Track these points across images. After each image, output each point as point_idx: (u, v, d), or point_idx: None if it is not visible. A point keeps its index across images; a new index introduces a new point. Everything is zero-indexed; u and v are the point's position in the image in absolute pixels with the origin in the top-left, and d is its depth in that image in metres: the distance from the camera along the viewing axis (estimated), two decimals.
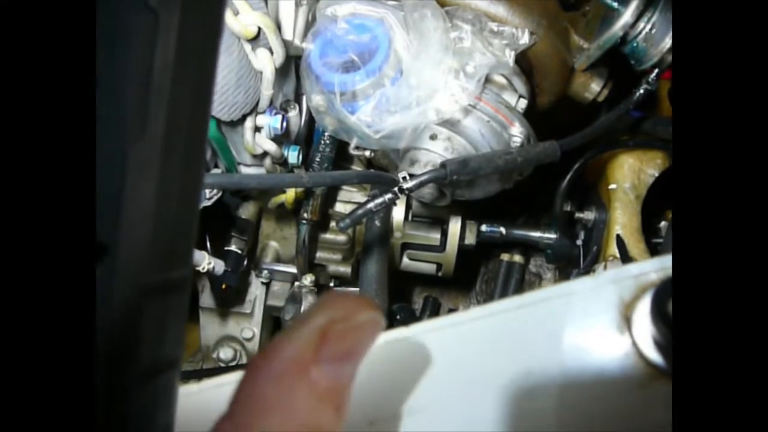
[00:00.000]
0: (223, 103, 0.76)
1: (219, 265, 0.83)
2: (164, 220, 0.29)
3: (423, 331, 0.42)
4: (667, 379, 0.35)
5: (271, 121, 0.85)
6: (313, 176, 0.89)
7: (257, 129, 0.86)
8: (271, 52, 0.80)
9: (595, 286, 0.38)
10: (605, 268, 1.16)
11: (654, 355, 0.36)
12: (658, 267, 0.37)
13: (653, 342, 0.35)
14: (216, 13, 0.30)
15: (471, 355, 0.40)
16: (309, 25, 0.97)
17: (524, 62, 1.08)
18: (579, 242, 1.29)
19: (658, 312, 0.33)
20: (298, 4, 0.96)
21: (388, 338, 0.43)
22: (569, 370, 0.36)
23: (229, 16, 0.74)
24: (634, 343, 0.36)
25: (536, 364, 0.37)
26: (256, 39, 0.78)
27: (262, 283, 1.24)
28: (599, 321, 0.37)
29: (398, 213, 1.23)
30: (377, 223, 1.18)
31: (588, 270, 1.23)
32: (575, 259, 1.29)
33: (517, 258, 1.44)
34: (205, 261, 0.81)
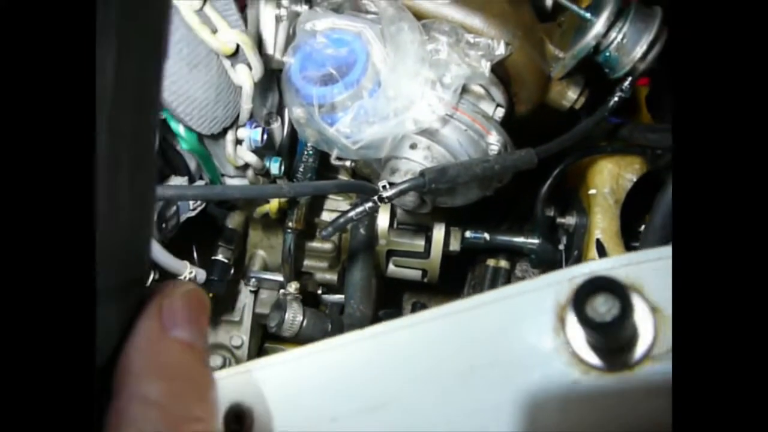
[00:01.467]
0: (203, 117, 0.79)
1: (201, 274, 0.86)
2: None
3: (379, 332, 0.45)
4: (599, 374, 0.38)
5: (251, 134, 0.88)
6: (294, 186, 0.92)
7: (238, 141, 0.89)
8: (250, 68, 0.83)
9: (533, 289, 0.40)
10: None
11: (586, 353, 0.38)
12: (587, 271, 0.40)
13: (586, 341, 0.38)
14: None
15: (424, 354, 0.42)
16: (289, 39, 1.00)
17: (501, 72, 1.11)
18: (561, 247, 1.31)
19: (577, 313, 0.35)
20: (278, 20, 0.99)
21: (349, 339, 0.45)
22: (509, 368, 0.39)
23: (207, 34, 0.77)
24: (569, 342, 0.39)
25: (479, 362, 0.40)
26: (235, 55, 0.81)
27: (251, 291, 1.27)
28: (538, 322, 0.40)
29: (383, 220, 1.26)
30: (362, 230, 1.21)
31: None
32: (558, 263, 1.32)
33: (503, 263, 1.47)
34: (186, 270, 0.84)
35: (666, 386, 0.37)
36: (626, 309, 0.34)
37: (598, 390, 0.37)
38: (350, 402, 0.44)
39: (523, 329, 0.40)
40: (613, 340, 0.36)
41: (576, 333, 0.39)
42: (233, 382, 0.45)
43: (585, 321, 0.35)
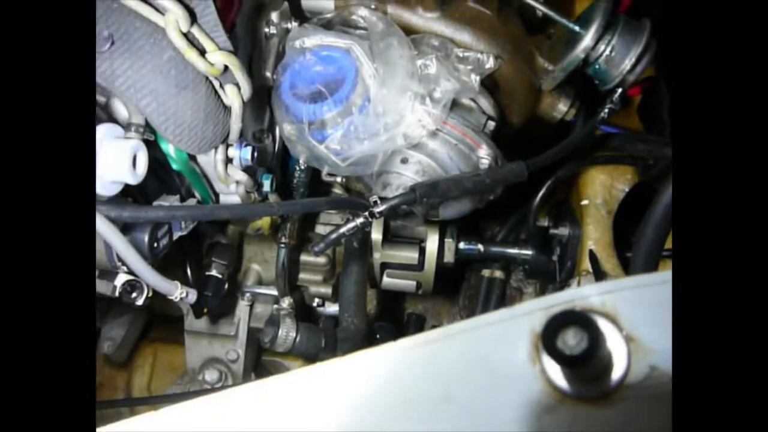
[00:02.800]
0: (193, 138, 0.80)
1: (192, 294, 0.86)
2: None
3: (354, 360, 0.45)
4: (573, 402, 0.38)
5: (241, 153, 0.89)
6: (284, 205, 0.92)
7: (229, 160, 0.89)
8: (239, 88, 0.84)
9: (511, 317, 0.41)
10: (579, 282, 1.19)
11: (561, 382, 0.39)
12: (565, 300, 0.40)
13: (560, 370, 0.39)
14: None
15: (399, 383, 0.43)
16: (279, 56, 1.01)
17: (491, 85, 1.11)
18: (555, 257, 1.32)
19: (546, 346, 0.36)
20: (267, 37, 1.00)
21: (323, 367, 0.46)
22: (484, 396, 0.39)
23: (195, 56, 0.77)
24: (544, 371, 0.39)
25: (456, 390, 0.40)
26: (223, 75, 0.82)
27: (246, 305, 1.27)
28: (513, 350, 0.40)
29: (376, 233, 1.26)
30: (355, 244, 1.21)
31: (563, 285, 1.26)
32: (552, 273, 1.32)
33: (498, 274, 1.47)
34: (178, 291, 0.84)
35: (641, 413, 0.37)
36: (595, 341, 0.34)
37: (573, 418, 0.37)
38: (328, 428, 0.44)
39: (499, 357, 0.40)
40: (584, 371, 0.37)
41: (551, 361, 0.39)
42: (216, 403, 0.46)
43: (555, 354, 0.35)
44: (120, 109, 0.83)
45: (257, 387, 0.46)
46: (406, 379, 0.41)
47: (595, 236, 1.21)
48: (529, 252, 1.35)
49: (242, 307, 1.28)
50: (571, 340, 0.35)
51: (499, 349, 0.40)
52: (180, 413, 0.49)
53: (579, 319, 0.35)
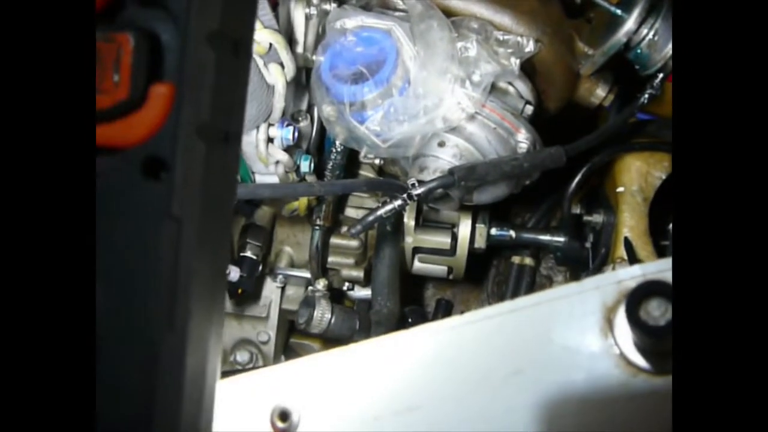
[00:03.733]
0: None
1: (234, 272, 0.87)
2: None
3: (424, 333, 0.46)
4: (647, 377, 0.38)
5: (283, 133, 0.89)
6: (324, 185, 0.92)
7: (270, 140, 0.90)
8: (282, 67, 0.84)
9: (580, 291, 0.41)
10: (614, 269, 1.19)
11: (634, 356, 0.39)
12: (638, 273, 0.40)
13: (633, 343, 0.39)
14: (226, 214, 0.35)
15: (467, 356, 0.43)
16: (319, 37, 1.01)
17: (530, 69, 1.11)
18: (588, 245, 1.31)
19: (630, 316, 0.36)
20: (308, 18, 1.00)
21: (391, 339, 0.46)
22: (556, 369, 0.40)
23: None
24: (617, 345, 0.39)
25: (526, 364, 0.40)
26: (267, 54, 0.82)
27: (278, 287, 1.28)
28: (584, 324, 0.40)
29: (409, 218, 1.26)
30: (388, 228, 1.21)
31: (597, 272, 1.25)
32: (584, 261, 1.31)
33: (528, 261, 1.47)
34: None
35: None
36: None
37: (647, 392, 0.37)
38: (393, 401, 0.44)
39: (570, 331, 0.40)
40: (664, 344, 0.37)
41: (624, 335, 0.39)
42: (279, 381, 0.46)
43: (638, 324, 0.35)
44: None
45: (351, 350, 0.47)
46: (474, 352, 0.42)
47: (631, 223, 1.21)
48: (561, 239, 1.34)
49: (274, 289, 1.29)
50: (655, 311, 0.35)
51: (569, 323, 0.40)
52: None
53: (663, 290, 0.35)
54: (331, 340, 1.27)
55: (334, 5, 1.04)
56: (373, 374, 0.44)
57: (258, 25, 0.79)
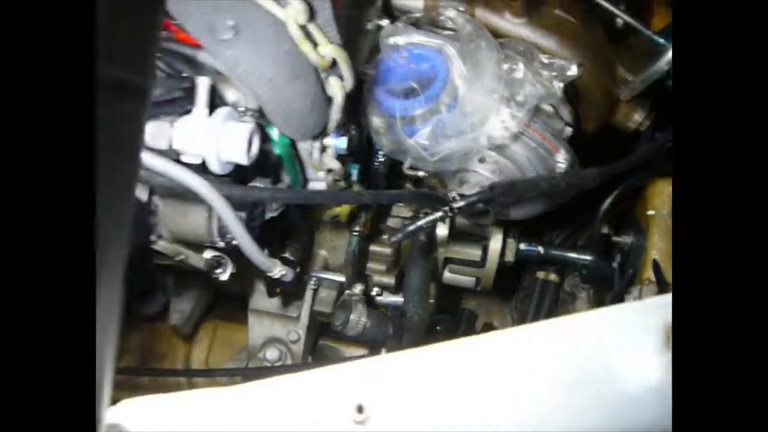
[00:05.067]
0: (299, 125, 0.86)
1: (290, 274, 0.92)
2: None
3: (488, 341, 0.51)
4: None
5: (337, 142, 0.95)
6: (373, 194, 0.98)
7: (324, 148, 0.95)
8: (342, 80, 0.89)
9: (642, 310, 0.46)
10: (641, 291, 1.23)
11: None
12: None
13: None
14: None
15: (535, 364, 0.48)
16: (372, 52, 1.06)
17: (571, 92, 1.16)
18: (615, 264, 1.36)
19: None
20: (364, 33, 1.05)
21: (459, 345, 0.51)
22: (618, 379, 0.45)
23: (309, 48, 0.83)
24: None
25: (592, 371, 0.45)
26: (330, 68, 0.88)
27: (311, 288, 1.33)
28: (645, 341, 0.45)
29: (442, 229, 1.31)
30: (422, 237, 1.26)
31: (624, 292, 1.30)
32: (610, 280, 1.36)
33: (553, 276, 1.52)
34: (277, 269, 0.90)
35: None
36: None
37: None
38: (464, 400, 0.49)
39: (630, 346, 0.45)
40: None
41: None
42: (360, 376, 0.52)
43: None
44: (228, 94, 0.90)
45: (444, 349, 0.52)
46: (544, 359, 0.47)
47: (660, 246, 1.25)
48: (589, 257, 1.39)
49: (307, 290, 1.34)
50: None
51: (632, 339, 0.45)
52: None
53: None
54: (363, 343, 1.32)
55: (386, 21, 1.10)
56: (444, 376, 0.49)
57: (324, 41, 0.85)
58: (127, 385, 1.50)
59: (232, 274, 1.03)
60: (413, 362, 0.54)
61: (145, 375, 1.44)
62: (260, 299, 1.36)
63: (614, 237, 1.37)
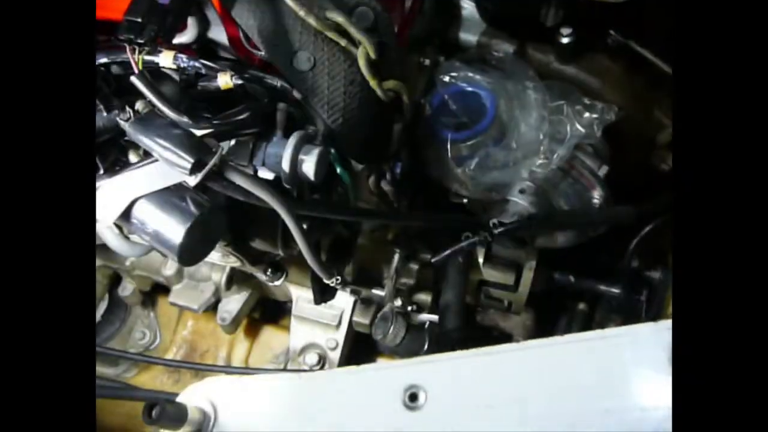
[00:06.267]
0: (363, 150, 0.98)
1: (337, 284, 1.04)
2: None
3: (527, 346, 0.62)
4: None
5: (392, 167, 1.07)
6: (423, 216, 1.10)
7: (380, 172, 1.07)
8: (402, 112, 1.02)
9: (656, 330, 0.57)
10: None
11: None
12: None
13: None
14: None
15: (563, 368, 0.59)
16: (428, 86, 1.19)
17: (610, 133, 1.27)
18: (642, 298, 1.45)
19: None
20: (421, 68, 1.18)
21: (505, 348, 0.62)
22: (634, 389, 0.55)
23: (376, 83, 0.95)
24: None
25: (612, 378, 0.56)
26: (392, 100, 1.00)
27: (352, 299, 1.45)
28: (658, 358, 0.56)
29: (479, 252, 1.42)
30: (460, 259, 1.37)
31: None
32: (638, 313, 1.45)
33: (582, 306, 1.60)
34: (334, 277, 1.02)
35: None
36: None
37: None
38: (504, 394, 0.60)
39: (645, 366, 0.56)
40: None
41: None
42: (413, 367, 0.63)
43: None
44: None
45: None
46: (571, 366, 0.58)
47: None
48: (618, 290, 1.48)
49: (347, 300, 1.46)
50: None
51: (644, 357, 0.56)
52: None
53: None
54: (398, 355, 1.43)
55: (443, 58, 1.22)
56: (486, 372, 0.60)
57: (388, 75, 0.97)
58: (171, 379, 1.63)
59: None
60: (462, 358, 0.65)
61: (189, 368, 1.57)
62: (304, 306, 1.47)
63: (645, 272, 1.46)
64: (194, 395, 0.72)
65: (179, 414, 0.68)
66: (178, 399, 0.70)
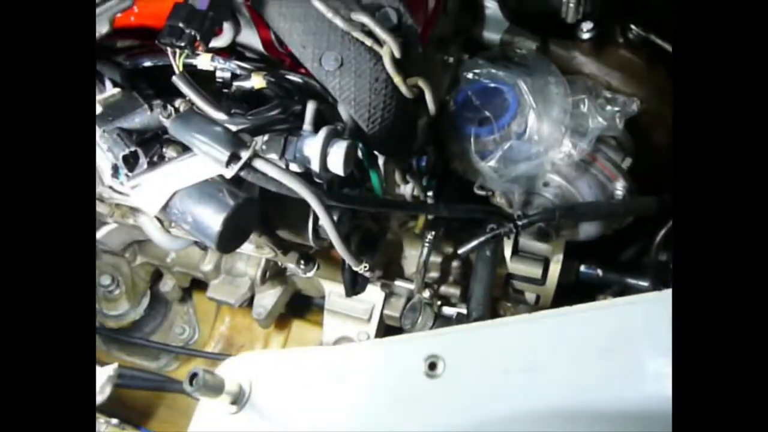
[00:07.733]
0: (390, 144, 1.04)
1: (368, 274, 1.10)
2: None
3: (539, 316, 0.67)
4: None
5: (419, 161, 1.13)
6: (449, 207, 1.16)
7: (407, 166, 1.14)
8: (427, 108, 1.08)
9: (659, 297, 0.62)
10: None
11: None
12: None
13: None
14: None
15: (576, 334, 0.64)
16: (453, 83, 1.24)
17: (632, 125, 1.31)
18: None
19: None
20: (445, 65, 1.24)
21: (520, 318, 0.67)
22: (646, 353, 0.60)
23: (400, 80, 1.01)
24: None
25: (619, 345, 0.61)
26: (417, 97, 1.06)
27: (383, 293, 1.51)
28: (662, 321, 0.61)
29: (507, 246, 1.47)
30: (488, 252, 1.42)
31: None
32: None
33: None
34: (362, 265, 1.08)
35: None
36: None
37: None
38: (518, 361, 0.66)
39: (654, 326, 0.61)
40: None
41: None
42: (432, 338, 0.69)
43: None
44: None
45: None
46: (582, 333, 0.63)
47: None
48: (645, 283, 1.51)
49: (379, 294, 1.52)
50: None
51: (655, 321, 0.61)
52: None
53: None
54: None
55: (465, 55, 1.28)
56: (502, 340, 0.65)
57: (413, 73, 1.03)
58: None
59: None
60: (478, 329, 0.70)
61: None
62: (336, 300, 1.54)
63: (671, 264, 1.49)
64: (232, 369, 0.80)
65: (217, 384, 0.75)
66: (217, 371, 0.77)
